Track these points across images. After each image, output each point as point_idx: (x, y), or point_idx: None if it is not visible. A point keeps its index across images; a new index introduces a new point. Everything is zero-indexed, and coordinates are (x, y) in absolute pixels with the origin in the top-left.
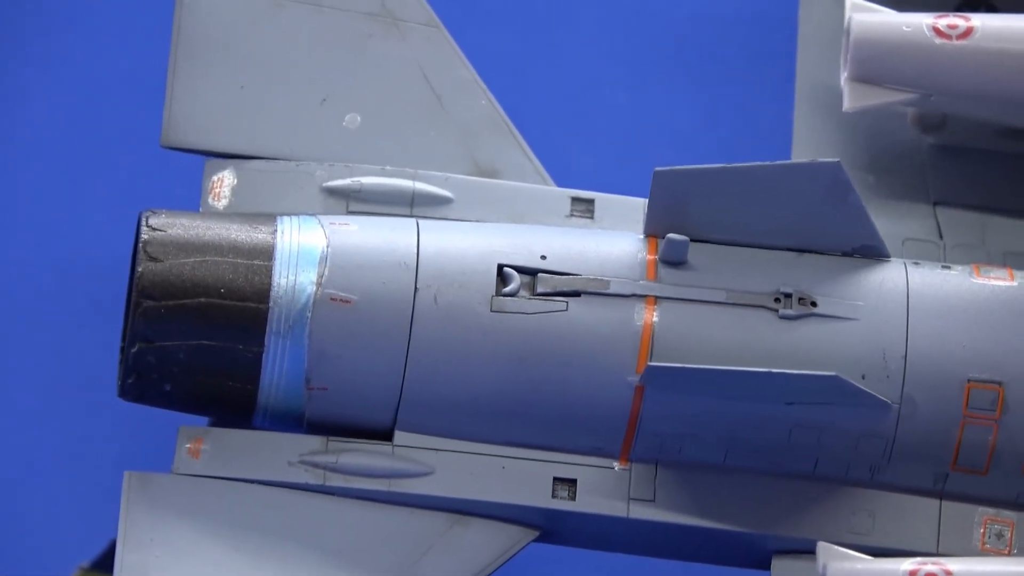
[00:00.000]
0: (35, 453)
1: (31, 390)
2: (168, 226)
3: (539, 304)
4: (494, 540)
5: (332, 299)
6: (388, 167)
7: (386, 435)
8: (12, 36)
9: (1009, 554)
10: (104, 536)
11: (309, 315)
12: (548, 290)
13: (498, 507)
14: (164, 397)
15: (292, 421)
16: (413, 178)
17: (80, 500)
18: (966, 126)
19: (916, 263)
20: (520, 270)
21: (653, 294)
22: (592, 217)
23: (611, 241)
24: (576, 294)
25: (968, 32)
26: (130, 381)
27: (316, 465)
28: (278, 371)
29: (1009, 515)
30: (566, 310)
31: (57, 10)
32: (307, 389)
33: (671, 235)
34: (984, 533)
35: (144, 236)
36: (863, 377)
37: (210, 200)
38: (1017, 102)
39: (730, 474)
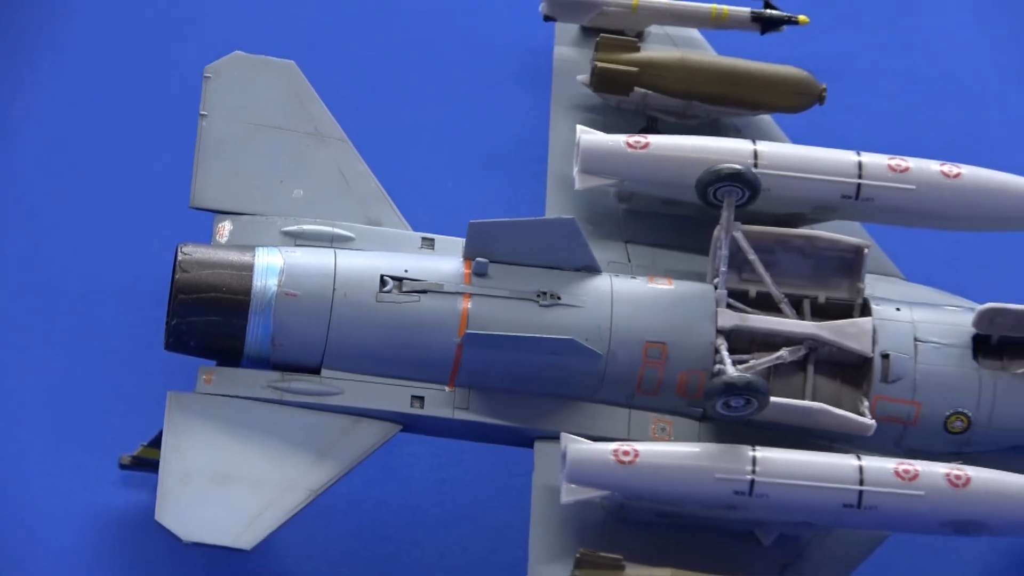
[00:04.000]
0: (114, 382)
1: (111, 347)
2: (193, 252)
3: (404, 297)
4: (378, 431)
5: (286, 294)
6: (319, 220)
7: (317, 371)
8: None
9: (669, 439)
10: (155, 428)
11: (273, 303)
12: (409, 289)
13: (379, 412)
14: (190, 349)
15: (264, 363)
16: (332, 226)
17: (141, 408)
18: (644, 198)
19: (616, 275)
20: (393, 278)
21: (469, 292)
22: (433, 248)
23: (444, 262)
24: (425, 292)
25: (646, 145)
26: (171, 340)
27: (277, 388)
28: (255, 335)
29: (669, 418)
30: (419, 301)
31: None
32: (272, 345)
33: (478, 258)
34: (654, 428)
35: (180, 257)
36: (587, 340)
37: (216, 238)
38: (672, 186)
39: (512, 394)
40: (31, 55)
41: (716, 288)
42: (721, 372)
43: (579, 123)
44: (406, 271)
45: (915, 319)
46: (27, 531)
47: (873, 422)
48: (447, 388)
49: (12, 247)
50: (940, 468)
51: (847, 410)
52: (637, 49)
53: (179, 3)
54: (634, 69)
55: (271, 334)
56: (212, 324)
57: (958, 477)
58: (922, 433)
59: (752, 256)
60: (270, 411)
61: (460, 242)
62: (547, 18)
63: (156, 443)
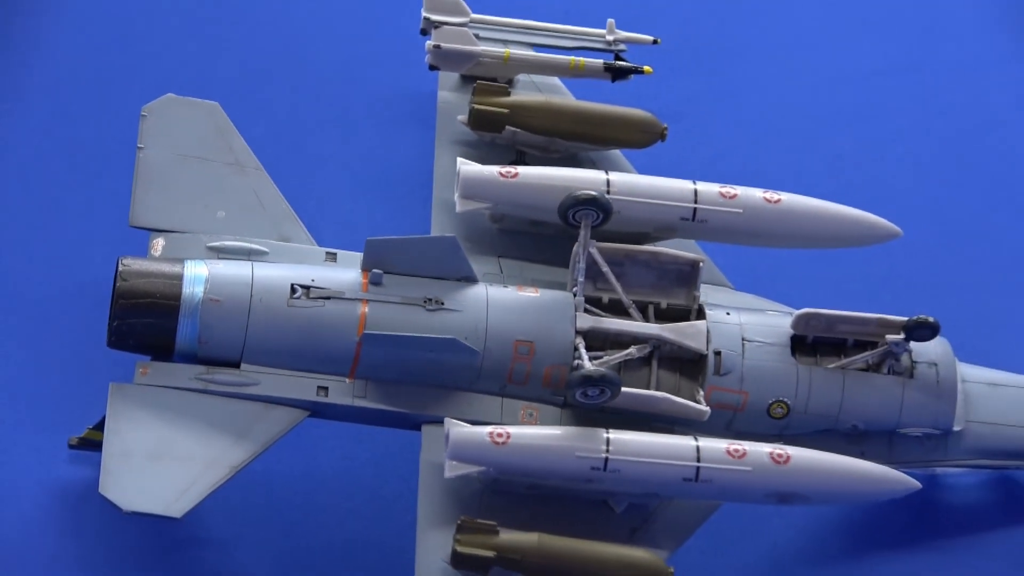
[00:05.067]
0: (64, 374)
1: (62, 345)
2: (132, 264)
3: (311, 302)
4: (288, 417)
5: (211, 300)
6: (239, 236)
7: (237, 365)
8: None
9: (536, 423)
10: (99, 414)
11: (200, 307)
12: (315, 296)
13: (289, 400)
14: (129, 347)
15: (192, 358)
16: (250, 242)
17: (87, 396)
18: (514, 219)
19: (491, 284)
20: (301, 286)
21: (366, 298)
22: (336, 261)
23: (345, 272)
24: (329, 298)
25: (516, 175)
26: (113, 339)
27: (203, 380)
28: (184, 335)
29: (536, 405)
30: (324, 306)
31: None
32: (199, 343)
33: (374, 270)
34: (523, 414)
35: (120, 268)
36: (466, 339)
37: (151, 252)
38: (538, 209)
39: (403, 385)
40: None
41: (575, 295)
42: (580, 366)
43: (459, 156)
44: (313, 280)
45: (742, 322)
46: None
47: (708, 409)
48: (348, 380)
49: None
50: (764, 447)
51: (686, 399)
52: (508, 94)
53: (120, 52)
54: (505, 111)
55: (198, 334)
56: (147, 325)
57: (780, 455)
58: (749, 418)
59: (605, 268)
60: (197, 399)
61: (359, 256)
62: (432, 67)
63: (100, 426)
